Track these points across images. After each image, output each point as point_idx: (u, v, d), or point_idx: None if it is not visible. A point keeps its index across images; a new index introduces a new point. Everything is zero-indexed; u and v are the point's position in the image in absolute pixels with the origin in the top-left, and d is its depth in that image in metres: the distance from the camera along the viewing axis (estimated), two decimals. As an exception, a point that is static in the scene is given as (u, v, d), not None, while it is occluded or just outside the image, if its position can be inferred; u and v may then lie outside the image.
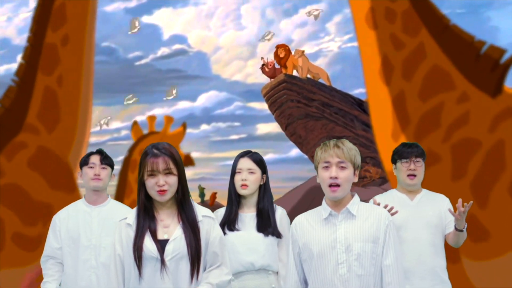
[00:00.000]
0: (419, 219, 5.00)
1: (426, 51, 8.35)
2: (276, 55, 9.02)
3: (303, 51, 9.05)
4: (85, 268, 4.99)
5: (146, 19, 9.35)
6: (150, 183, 3.54)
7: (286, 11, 9.13)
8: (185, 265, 3.54)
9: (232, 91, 9.15)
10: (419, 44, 8.32)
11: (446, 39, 8.29)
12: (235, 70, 9.20)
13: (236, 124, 9.07)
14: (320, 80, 9.05)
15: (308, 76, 9.05)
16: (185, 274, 3.55)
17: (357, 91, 8.85)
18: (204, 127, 9.17)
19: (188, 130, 9.13)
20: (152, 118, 9.24)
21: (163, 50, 9.27)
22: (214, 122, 9.12)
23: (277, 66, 9.01)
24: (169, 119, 9.19)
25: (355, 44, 8.82)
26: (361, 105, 8.83)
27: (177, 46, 9.27)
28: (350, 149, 3.55)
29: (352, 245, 3.50)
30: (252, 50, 9.17)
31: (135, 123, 9.22)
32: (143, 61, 9.22)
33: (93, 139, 9.06)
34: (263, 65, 8.96)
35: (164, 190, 3.53)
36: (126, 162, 8.96)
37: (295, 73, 9.01)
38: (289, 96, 8.94)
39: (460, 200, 4.76)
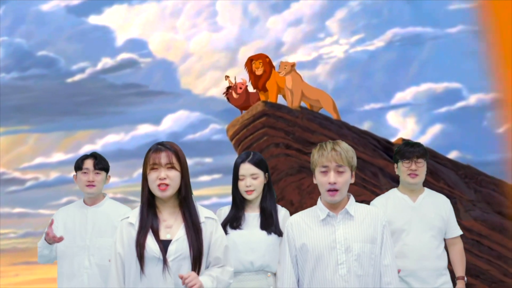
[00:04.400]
0: (421, 221, 5.33)
1: None
2: (250, 72, 7.06)
3: (293, 65, 7.16)
4: (78, 268, 5.43)
5: (94, 19, 8.95)
6: (152, 177, 3.91)
7: (274, 6, 8.64)
8: (187, 266, 3.92)
9: (207, 110, 9.00)
10: None
11: None
12: (210, 83, 8.91)
13: (208, 160, 9.13)
14: (322, 111, 7.00)
15: (303, 104, 6.97)
16: (187, 275, 4.01)
17: (368, 107, 8.25)
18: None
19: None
20: None
21: (117, 59, 8.92)
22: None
23: (251, 89, 6.86)
24: None
25: (368, 47, 7.88)
26: (389, 149, 6.83)
27: (134, 54, 8.95)
28: (347, 151, 3.98)
29: (351, 245, 3.97)
30: (231, 57, 8.74)
31: None
32: (91, 74, 8.83)
33: (22, 175, 8.61)
34: (228, 88, 7.03)
35: (165, 184, 3.89)
36: None
37: (281, 100, 7.01)
38: (272, 139, 7.02)
39: None
